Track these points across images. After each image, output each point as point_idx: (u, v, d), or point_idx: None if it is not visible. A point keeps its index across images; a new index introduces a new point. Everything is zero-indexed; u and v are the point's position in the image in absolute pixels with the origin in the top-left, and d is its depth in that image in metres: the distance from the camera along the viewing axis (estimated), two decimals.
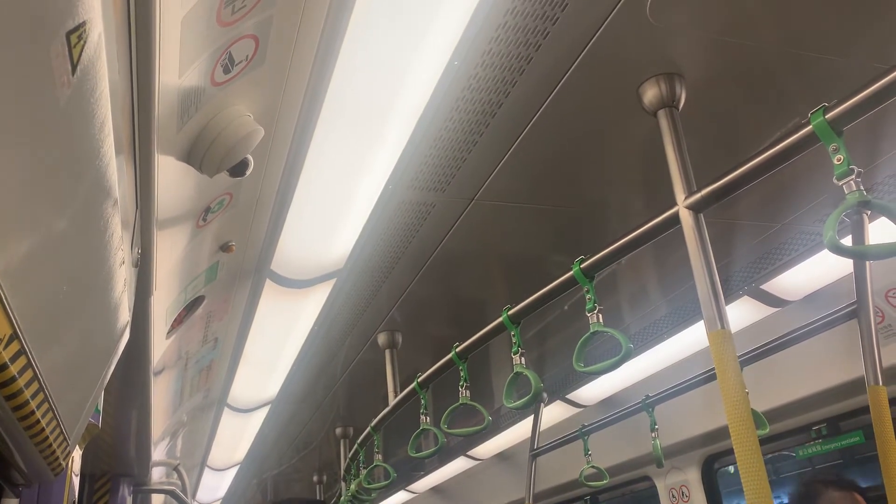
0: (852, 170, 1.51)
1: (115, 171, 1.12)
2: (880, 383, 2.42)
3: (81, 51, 0.81)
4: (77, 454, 2.03)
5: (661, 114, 2.10)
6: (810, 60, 2.16)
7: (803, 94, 2.29)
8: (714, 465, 4.43)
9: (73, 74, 0.80)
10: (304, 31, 1.69)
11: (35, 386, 1.12)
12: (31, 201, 0.87)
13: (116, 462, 3.70)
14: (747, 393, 2.91)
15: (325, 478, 7.45)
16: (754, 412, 3.02)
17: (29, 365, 1.05)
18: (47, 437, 1.32)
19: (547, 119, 2.25)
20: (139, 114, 1.34)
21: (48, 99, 0.78)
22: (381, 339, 3.97)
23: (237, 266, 2.73)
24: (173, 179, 1.73)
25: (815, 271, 3.24)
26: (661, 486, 4.68)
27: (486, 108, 2.17)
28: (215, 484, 7.74)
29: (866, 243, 2.26)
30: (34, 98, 0.75)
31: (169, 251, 2.03)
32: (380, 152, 2.31)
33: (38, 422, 1.21)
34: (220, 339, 3.44)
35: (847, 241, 2.32)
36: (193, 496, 7.60)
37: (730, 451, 4.20)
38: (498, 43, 1.93)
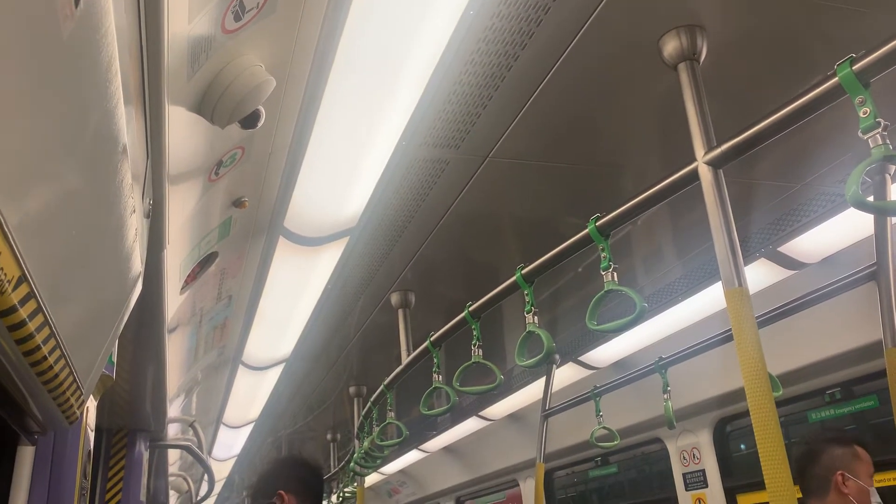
0: (878, 123, 1.47)
1: (123, 115, 1.10)
2: None
3: None
4: (92, 406, 2.05)
5: (682, 67, 2.05)
6: (837, 13, 2.09)
7: (829, 50, 2.22)
8: (726, 427, 4.43)
9: (76, 6, 0.78)
10: None
11: (46, 331, 1.11)
12: (35, 141, 0.85)
13: (133, 417, 3.75)
14: None
15: (338, 436, 7.55)
16: (768, 374, 3.02)
17: (39, 309, 1.05)
18: (61, 384, 1.32)
19: (564, 73, 2.20)
20: (148, 59, 1.32)
21: (50, 31, 0.75)
22: (395, 298, 3.97)
23: (250, 222, 2.73)
24: (184, 130, 1.71)
25: (833, 233, 3.19)
26: (673, 448, 4.69)
27: (502, 60, 2.13)
28: (230, 441, 7.86)
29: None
30: (35, 29, 0.73)
31: (181, 205, 2.01)
32: (393, 107, 2.27)
33: (50, 368, 1.21)
34: (234, 297, 3.45)
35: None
36: (209, 452, 7.73)
37: (742, 415, 4.20)
38: None
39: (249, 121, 1.77)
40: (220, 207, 2.36)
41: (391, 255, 3.45)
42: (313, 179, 2.59)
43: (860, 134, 1.48)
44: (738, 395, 3.35)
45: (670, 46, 2.06)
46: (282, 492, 2.36)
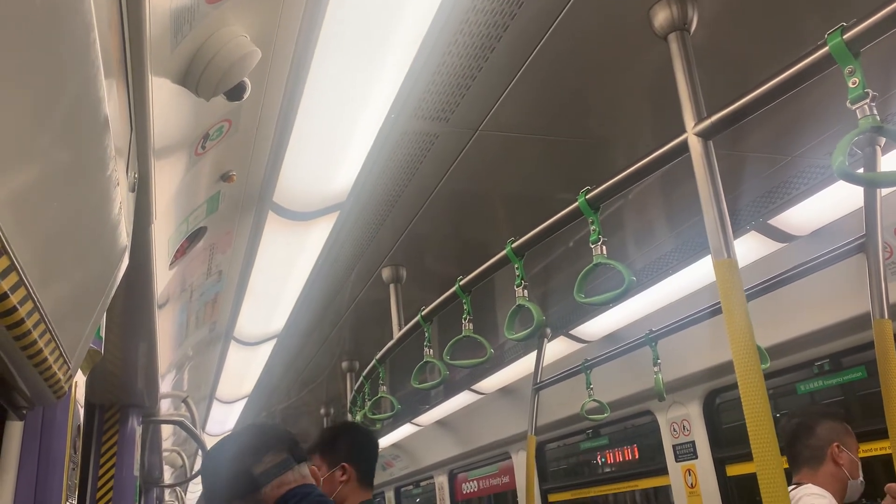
0: (867, 93, 1.46)
1: (104, 87, 1.08)
2: (886, 317, 2.41)
3: None
4: (81, 381, 2.05)
5: (672, 37, 2.03)
6: None
7: (822, 20, 2.20)
8: (716, 399, 4.47)
9: None
10: None
11: (29, 305, 1.10)
12: (9, 115, 0.84)
13: (125, 393, 3.75)
14: None
15: (332, 410, 7.59)
16: (757, 347, 3.04)
17: (21, 283, 1.04)
18: (46, 359, 1.31)
19: (554, 44, 2.18)
20: (129, 30, 1.29)
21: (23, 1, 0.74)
22: (386, 273, 3.97)
23: (239, 197, 2.71)
24: (169, 103, 1.69)
25: (824, 206, 3.21)
26: (663, 420, 4.74)
27: (492, 31, 2.10)
28: (224, 416, 7.89)
29: None
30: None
31: (167, 179, 2.00)
32: (381, 79, 2.25)
33: (35, 342, 1.20)
34: (225, 272, 3.44)
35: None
36: (203, 428, 7.77)
37: (731, 387, 4.24)
38: None
39: (235, 93, 1.75)
40: (207, 181, 2.34)
41: (382, 230, 3.44)
42: (302, 153, 2.57)
43: (848, 104, 1.47)
44: (727, 367, 3.37)
45: (661, 16, 2.03)
46: (346, 464, 2.26)
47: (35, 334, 1.19)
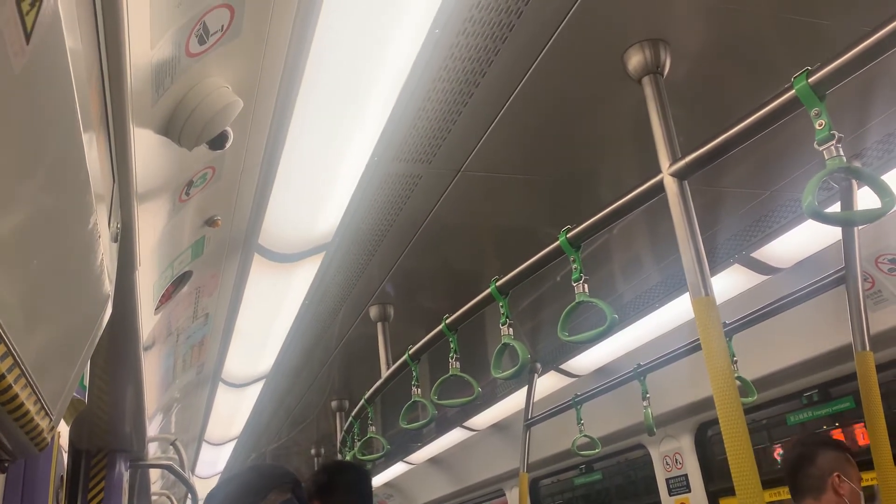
0: (833, 135, 1.50)
1: (83, 142, 1.10)
2: (867, 349, 2.43)
3: (35, 17, 0.79)
4: (64, 430, 2.04)
5: (646, 80, 2.07)
6: (801, 25, 2.13)
7: (792, 60, 2.26)
8: (707, 432, 4.46)
9: (27, 42, 0.79)
10: (280, 1, 1.67)
11: (9, 360, 1.11)
12: None
13: (112, 438, 3.72)
14: (735, 361, 2.94)
15: (323, 450, 7.51)
16: (743, 380, 3.06)
17: (1, 339, 1.04)
18: (27, 412, 1.31)
19: (531, 88, 2.23)
20: (110, 85, 1.32)
21: (1, 66, 0.76)
22: (373, 312, 3.97)
23: (224, 241, 2.72)
24: (151, 153, 1.72)
25: (806, 238, 3.24)
26: (656, 453, 4.72)
27: (470, 77, 2.15)
28: (213, 458, 7.80)
29: (855, 209, 2.26)
30: None
31: (152, 226, 2.01)
32: (363, 124, 2.29)
33: (15, 396, 1.20)
34: (211, 315, 3.44)
35: (836, 207, 2.32)
36: (192, 471, 7.67)
37: None
38: (479, 10, 1.90)
39: (217, 142, 1.77)
40: (192, 227, 2.36)
41: (368, 270, 3.46)
42: (286, 196, 2.60)
43: (816, 146, 1.51)
44: None
45: (634, 60, 2.08)
46: None
47: (16, 389, 1.19)
